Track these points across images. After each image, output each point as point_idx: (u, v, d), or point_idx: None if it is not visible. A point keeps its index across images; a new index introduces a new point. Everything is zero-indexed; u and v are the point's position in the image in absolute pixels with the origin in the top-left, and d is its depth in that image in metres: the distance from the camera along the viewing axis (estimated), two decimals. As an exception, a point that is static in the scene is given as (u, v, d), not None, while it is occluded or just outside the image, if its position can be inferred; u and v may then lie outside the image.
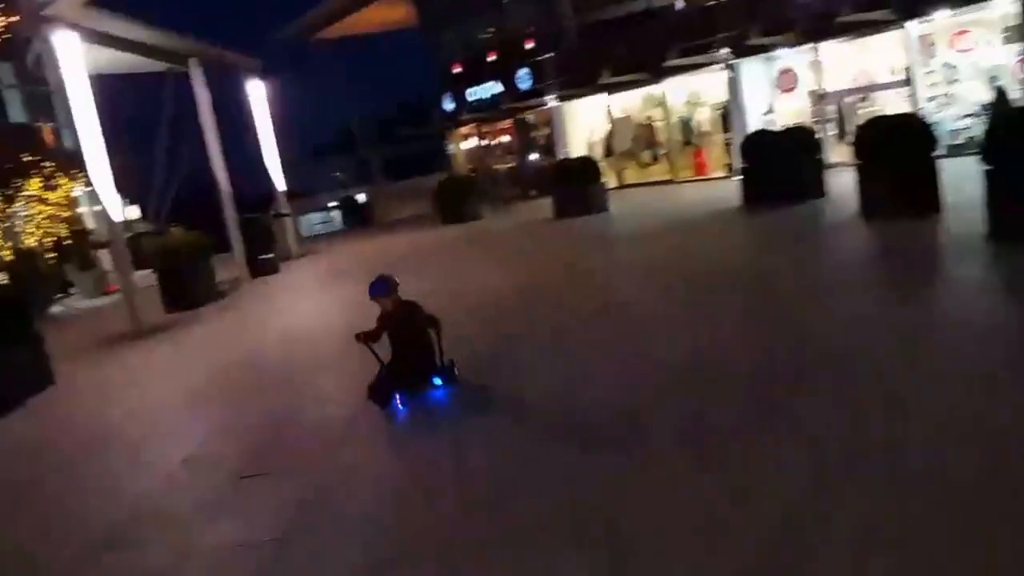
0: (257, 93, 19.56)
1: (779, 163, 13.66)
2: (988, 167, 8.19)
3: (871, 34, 17.90)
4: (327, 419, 6.12)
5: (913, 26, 16.99)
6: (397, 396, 5.65)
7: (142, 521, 4.68)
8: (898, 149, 10.25)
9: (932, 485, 3.46)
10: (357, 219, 32.13)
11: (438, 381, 5.80)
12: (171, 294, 13.45)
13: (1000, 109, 13.34)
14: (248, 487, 4.88)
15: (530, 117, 28.27)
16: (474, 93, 28.70)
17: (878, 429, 4.15)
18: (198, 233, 14.40)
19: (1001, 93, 14.81)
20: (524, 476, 4.35)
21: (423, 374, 5.81)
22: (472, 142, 32.09)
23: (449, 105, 30.15)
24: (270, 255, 17.18)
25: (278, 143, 20.01)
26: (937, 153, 10.76)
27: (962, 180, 10.31)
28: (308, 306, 12.76)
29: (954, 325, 5.85)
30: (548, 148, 27.05)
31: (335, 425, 5.89)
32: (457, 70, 30.44)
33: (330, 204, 38.51)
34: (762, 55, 19.99)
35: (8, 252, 16.00)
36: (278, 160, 19.97)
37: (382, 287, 5.81)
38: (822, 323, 6.45)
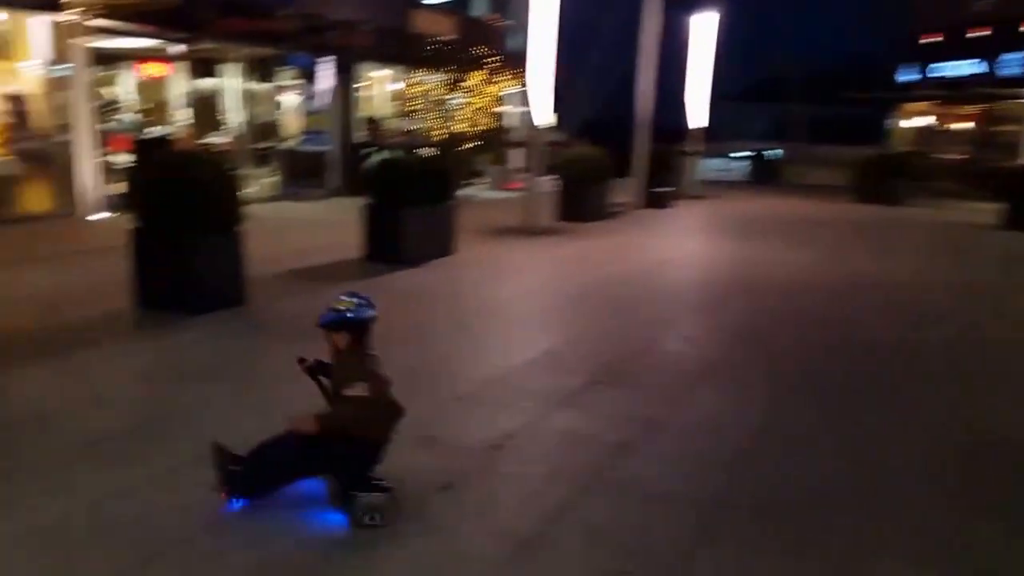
0: (704, 27, 19.82)
1: None
2: None
3: None
4: (682, 355, 6.51)
5: None
6: (235, 493, 3.55)
7: (496, 390, 5.40)
8: None
9: None
10: (763, 174, 31.48)
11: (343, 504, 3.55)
12: (566, 204, 14.79)
13: None
14: (598, 392, 5.40)
15: (1002, 108, 25.15)
16: (942, 68, 26.56)
17: None
18: (603, 152, 15.44)
19: None
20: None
21: (340, 477, 3.58)
22: (920, 121, 29.42)
23: (906, 76, 28.04)
24: (668, 189, 17.76)
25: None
26: None
27: None
28: (691, 248, 13.08)
29: None
30: (1010, 147, 23.88)
31: (689, 361, 6.22)
32: (928, 40, 28.07)
33: (732, 153, 38.03)
34: None
35: (442, 133, 18.58)
36: (708, 98, 20.23)
37: (333, 314, 3.54)
38: None
